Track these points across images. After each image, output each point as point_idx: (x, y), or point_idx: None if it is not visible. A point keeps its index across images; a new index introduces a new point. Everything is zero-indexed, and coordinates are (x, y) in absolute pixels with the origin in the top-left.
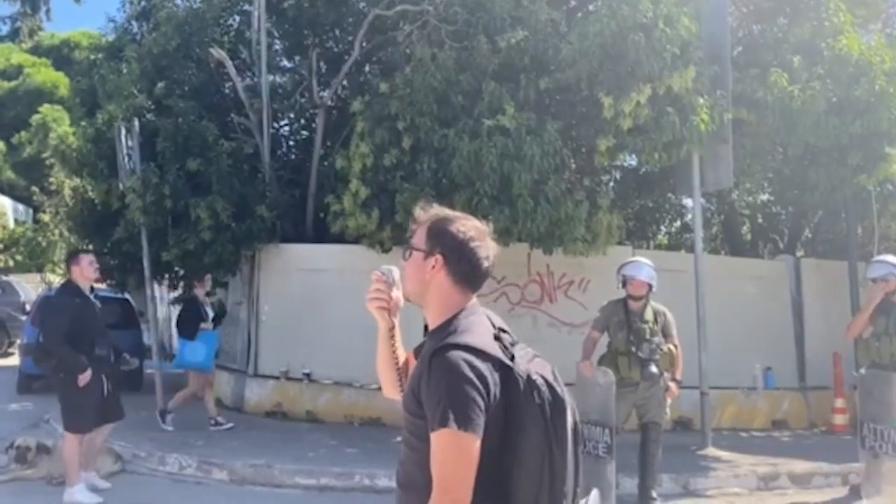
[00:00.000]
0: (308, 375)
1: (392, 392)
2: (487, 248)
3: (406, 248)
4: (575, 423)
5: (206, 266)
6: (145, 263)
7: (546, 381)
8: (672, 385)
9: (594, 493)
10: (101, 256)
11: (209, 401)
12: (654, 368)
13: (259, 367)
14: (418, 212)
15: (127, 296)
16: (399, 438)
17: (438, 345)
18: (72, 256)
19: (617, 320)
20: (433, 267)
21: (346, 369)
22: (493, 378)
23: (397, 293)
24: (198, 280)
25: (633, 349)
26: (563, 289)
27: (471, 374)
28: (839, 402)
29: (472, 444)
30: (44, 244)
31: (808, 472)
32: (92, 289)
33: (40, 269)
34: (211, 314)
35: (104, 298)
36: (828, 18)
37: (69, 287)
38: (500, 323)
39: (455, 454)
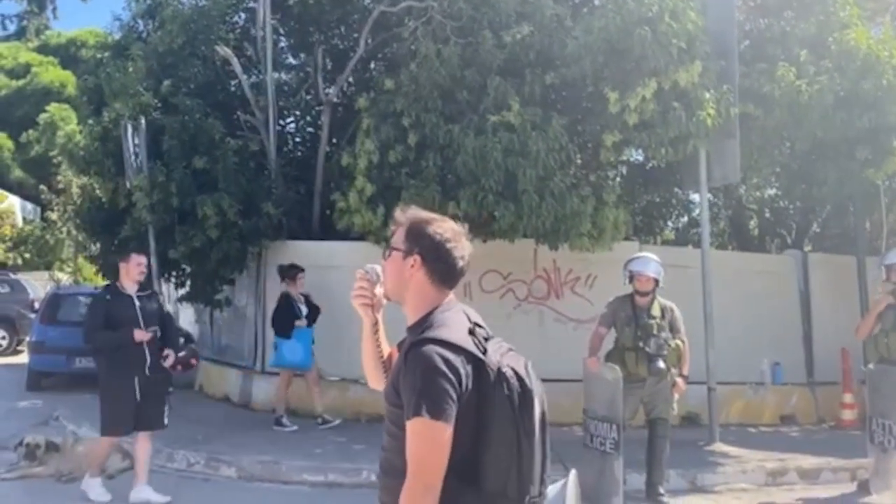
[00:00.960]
0: None
1: (378, 384)
2: (463, 249)
3: (386, 248)
4: (542, 413)
5: (214, 263)
6: (152, 261)
7: (516, 373)
8: (679, 381)
9: (572, 473)
10: (108, 255)
11: (317, 399)
12: (661, 364)
13: (267, 364)
14: (398, 213)
15: None
16: None
17: (415, 339)
18: (123, 255)
19: (624, 316)
20: (412, 266)
21: (352, 366)
22: (465, 370)
23: (380, 290)
24: (289, 277)
25: (641, 345)
26: (569, 284)
27: (444, 367)
28: (848, 398)
29: (444, 432)
30: (52, 242)
31: (817, 467)
32: (144, 288)
33: (48, 267)
34: (305, 311)
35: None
36: (835, 12)
37: (109, 286)
38: (476, 318)
39: (427, 441)
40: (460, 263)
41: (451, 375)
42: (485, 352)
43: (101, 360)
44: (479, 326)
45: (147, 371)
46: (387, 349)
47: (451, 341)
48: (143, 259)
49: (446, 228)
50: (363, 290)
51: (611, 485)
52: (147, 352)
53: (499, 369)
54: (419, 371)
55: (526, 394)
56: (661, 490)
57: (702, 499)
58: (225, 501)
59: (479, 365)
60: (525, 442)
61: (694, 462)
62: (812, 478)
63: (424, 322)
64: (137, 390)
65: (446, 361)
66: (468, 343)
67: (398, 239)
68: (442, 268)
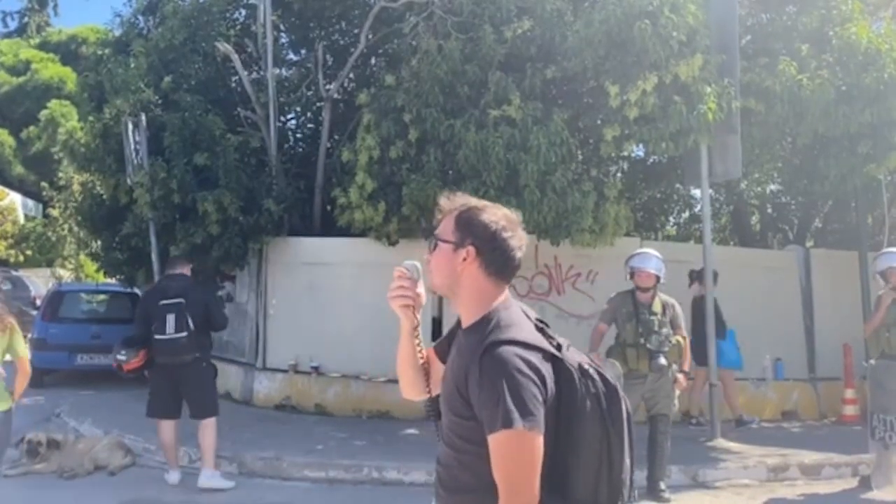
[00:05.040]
0: (316, 368)
1: (412, 393)
2: (520, 238)
3: (432, 240)
4: (628, 412)
5: (215, 260)
6: (154, 258)
7: (596, 370)
8: (680, 377)
9: None
10: (110, 251)
11: (735, 399)
12: (662, 360)
13: (268, 360)
14: (444, 201)
15: (136, 290)
16: (409, 431)
17: (486, 342)
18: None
19: (625, 312)
20: (464, 259)
21: (354, 362)
22: (546, 371)
23: (421, 289)
24: (698, 280)
25: (642, 341)
26: (570, 280)
27: (527, 369)
28: (849, 393)
29: (537, 441)
30: (53, 239)
31: (818, 463)
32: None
33: (50, 264)
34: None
35: (115, 293)
36: (836, 6)
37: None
38: (534, 315)
39: (521, 454)
40: (518, 255)
41: (535, 378)
42: (559, 348)
43: (208, 347)
44: (543, 323)
45: None
46: (423, 353)
47: (527, 341)
48: None
49: (500, 216)
50: (404, 290)
51: None
52: None
53: (580, 366)
54: (500, 377)
55: (611, 391)
56: (663, 486)
57: (703, 494)
58: (226, 497)
59: (558, 364)
60: (615, 443)
61: (695, 458)
62: (814, 473)
63: (487, 322)
64: None
65: (527, 363)
66: (542, 341)
67: (446, 229)
68: (499, 260)
